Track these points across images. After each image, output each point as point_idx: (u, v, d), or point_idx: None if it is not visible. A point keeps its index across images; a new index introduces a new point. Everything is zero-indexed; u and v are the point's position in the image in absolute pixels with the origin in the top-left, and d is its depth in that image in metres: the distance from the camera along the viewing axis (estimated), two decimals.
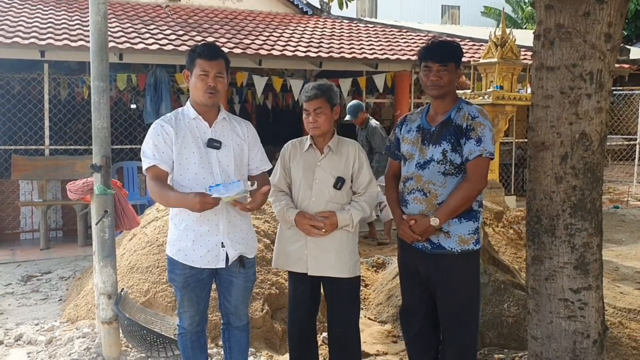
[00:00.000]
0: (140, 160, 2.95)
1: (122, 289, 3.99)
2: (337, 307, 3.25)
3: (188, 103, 2.99)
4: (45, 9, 9.67)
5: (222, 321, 3.20)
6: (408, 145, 3.05)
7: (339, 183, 3.17)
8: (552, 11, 2.76)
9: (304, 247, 3.18)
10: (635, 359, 3.91)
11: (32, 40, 7.61)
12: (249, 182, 2.82)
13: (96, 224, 3.74)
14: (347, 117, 7.40)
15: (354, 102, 7.67)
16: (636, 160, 12.90)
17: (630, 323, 4.33)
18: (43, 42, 7.63)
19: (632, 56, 12.17)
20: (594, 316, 2.82)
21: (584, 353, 2.81)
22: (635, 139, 13.10)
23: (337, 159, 3.21)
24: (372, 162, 7.23)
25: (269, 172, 3.20)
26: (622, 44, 10.60)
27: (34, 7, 9.66)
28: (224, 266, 2.93)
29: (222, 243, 2.91)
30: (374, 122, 7.42)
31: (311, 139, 3.25)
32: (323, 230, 3.12)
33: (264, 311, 4.19)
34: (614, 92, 13.16)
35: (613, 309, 4.53)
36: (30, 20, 8.62)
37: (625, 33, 18.76)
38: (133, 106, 10.79)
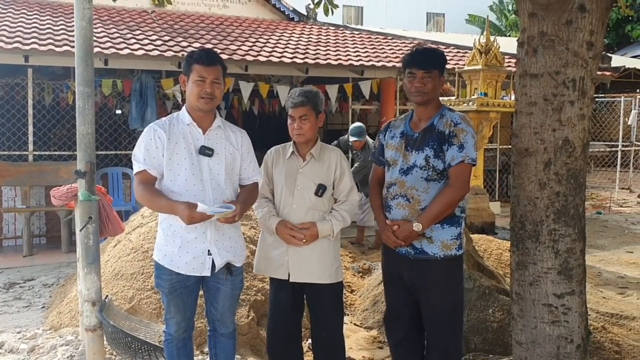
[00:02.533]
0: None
1: (107, 295, 3.95)
2: (320, 313, 3.24)
3: (184, 108, 2.97)
4: (29, 13, 9.58)
5: (208, 328, 3.18)
6: (392, 151, 3.07)
7: (320, 190, 3.16)
8: (535, 19, 2.79)
9: (285, 253, 3.17)
10: None
11: (16, 45, 7.54)
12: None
13: (80, 230, 3.71)
14: (354, 139, 7.19)
15: (360, 124, 7.49)
16: (618, 166, 13.07)
17: (612, 327, 4.38)
18: (27, 47, 7.55)
19: (613, 64, 12.36)
20: (578, 321, 2.84)
21: (567, 358, 2.83)
22: (617, 146, 13.27)
23: (319, 165, 3.20)
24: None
25: None
26: (603, 52, 10.75)
27: (18, 12, 9.57)
28: (209, 274, 2.92)
29: (208, 251, 2.89)
30: (371, 141, 7.32)
31: (294, 146, 3.24)
32: (303, 240, 3.12)
33: (250, 317, 4.17)
34: (596, 99, 13.32)
35: (596, 313, 4.58)
36: (14, 25, 8.54)
37: (607, 41, 19.03)
38: (118, 112, 10.71)
